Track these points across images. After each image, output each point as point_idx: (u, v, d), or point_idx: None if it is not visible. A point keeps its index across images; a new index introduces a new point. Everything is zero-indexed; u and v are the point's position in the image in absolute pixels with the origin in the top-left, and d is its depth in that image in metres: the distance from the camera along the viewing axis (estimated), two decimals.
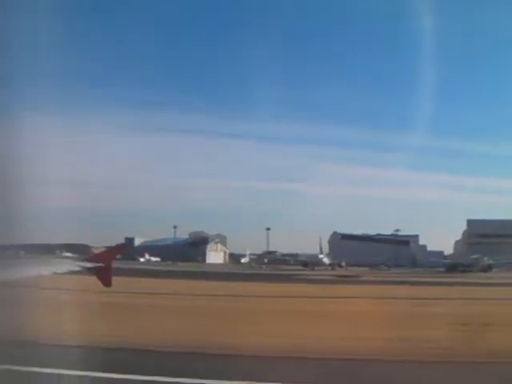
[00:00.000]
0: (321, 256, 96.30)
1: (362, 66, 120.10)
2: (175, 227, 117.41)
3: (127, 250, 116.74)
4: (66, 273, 10.16)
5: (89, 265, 10.49)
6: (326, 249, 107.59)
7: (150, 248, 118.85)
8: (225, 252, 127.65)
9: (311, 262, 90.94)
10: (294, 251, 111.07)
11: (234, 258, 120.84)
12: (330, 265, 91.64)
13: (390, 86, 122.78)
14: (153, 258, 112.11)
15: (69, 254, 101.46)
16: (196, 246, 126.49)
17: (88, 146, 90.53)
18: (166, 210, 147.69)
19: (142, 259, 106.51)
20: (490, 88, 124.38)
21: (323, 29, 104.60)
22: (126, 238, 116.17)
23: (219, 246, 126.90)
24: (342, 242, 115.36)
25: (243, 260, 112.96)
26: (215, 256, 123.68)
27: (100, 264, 10.39)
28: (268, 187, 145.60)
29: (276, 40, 76.96)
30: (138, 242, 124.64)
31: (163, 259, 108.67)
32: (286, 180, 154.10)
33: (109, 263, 10.37)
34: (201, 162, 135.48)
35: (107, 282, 10.50)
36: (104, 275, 10.27)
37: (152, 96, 77.75)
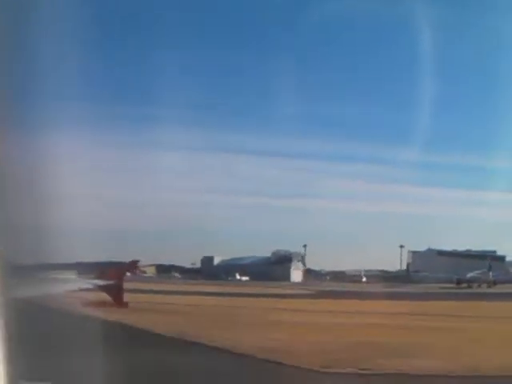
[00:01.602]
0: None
1: (373, 83, 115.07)
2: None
3: (207, 268, 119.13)
4: (77, 290, 10.41)
5: (100, 282, 10.50)
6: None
7: (231, 267, 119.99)
8: (304, 270, 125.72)
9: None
10: (367, 268, 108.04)
11: (313, 275, 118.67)
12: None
13: (403, 101, 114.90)
14: (243, 278, 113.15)
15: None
16: (280, 264, 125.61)
17: (154, 166, 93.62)
18: (240, 228, 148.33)
19: (230, 278, 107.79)
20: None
21: (328, 46, 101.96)
22: (205, 257, 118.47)
23: (300, 264, 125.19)
24: (437, 258, 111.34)
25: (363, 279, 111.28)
26: (297, 274, 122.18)
27: (110, 281, 10.30)
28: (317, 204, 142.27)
29: (290, 57, 75.19)
30: (216, 260, 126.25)
31: (250, 278, 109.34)
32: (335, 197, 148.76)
33: (119, 281, 10.21)
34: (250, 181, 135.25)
35: (119, 301, 10.24)
36: (115, 293, 10.13)
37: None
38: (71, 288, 9.95)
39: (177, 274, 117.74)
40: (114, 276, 9.73)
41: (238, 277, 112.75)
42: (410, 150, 76.91)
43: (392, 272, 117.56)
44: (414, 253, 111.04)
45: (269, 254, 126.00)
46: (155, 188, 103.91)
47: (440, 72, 70.34)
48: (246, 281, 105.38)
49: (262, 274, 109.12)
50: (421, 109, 62.57)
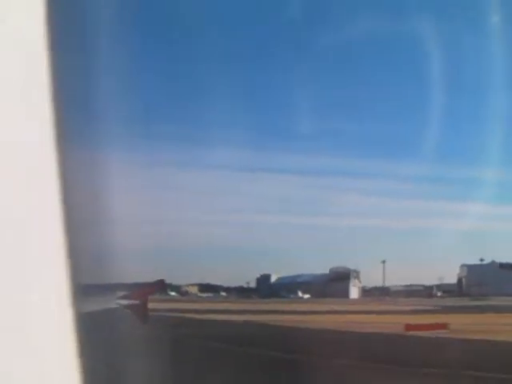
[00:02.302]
0: None
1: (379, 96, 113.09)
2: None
3: (264, 286, 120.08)
4: (102, 310, 11.71)
5: (125, 302, 11.84)
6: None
7: (289, 284, 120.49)
8: (359, 287, 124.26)
9: None
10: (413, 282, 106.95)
11: (367, 292, 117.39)
12: None
13: (410, 115, 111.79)
14: (305, 296, 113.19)
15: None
16: (339, 281, 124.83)
17: (202, 185, 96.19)
18: (291, 246, 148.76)
19: (292, 296, 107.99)
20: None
21: (341, 64, 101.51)
22: (262, 275, 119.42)
23: (357, 280, 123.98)
24: (500, 271, 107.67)
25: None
26: (355, 291, 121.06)
27: (136, 301, 11.67)
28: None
29: (309, 71, 75.27)
30: (273, 278, 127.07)
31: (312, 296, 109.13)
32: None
33: (145, 300, 11.70)
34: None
35: (143, 319, 11.72)
36: (140, 312, 11.52)
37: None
38: (98, 307, 11.23)
39: (223, 293, 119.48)
40: (140, 296, 10.85)
41: (300, 294, 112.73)
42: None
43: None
44: (471, 266, 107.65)
45: (315, 272, 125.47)
46: (201, 208, 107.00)
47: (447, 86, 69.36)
48: (308, 298, 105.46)
49: (320, 291, 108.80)
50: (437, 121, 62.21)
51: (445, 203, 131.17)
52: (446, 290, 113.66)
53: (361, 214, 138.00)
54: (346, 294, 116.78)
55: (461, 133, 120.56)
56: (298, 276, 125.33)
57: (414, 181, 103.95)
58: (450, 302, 71.81)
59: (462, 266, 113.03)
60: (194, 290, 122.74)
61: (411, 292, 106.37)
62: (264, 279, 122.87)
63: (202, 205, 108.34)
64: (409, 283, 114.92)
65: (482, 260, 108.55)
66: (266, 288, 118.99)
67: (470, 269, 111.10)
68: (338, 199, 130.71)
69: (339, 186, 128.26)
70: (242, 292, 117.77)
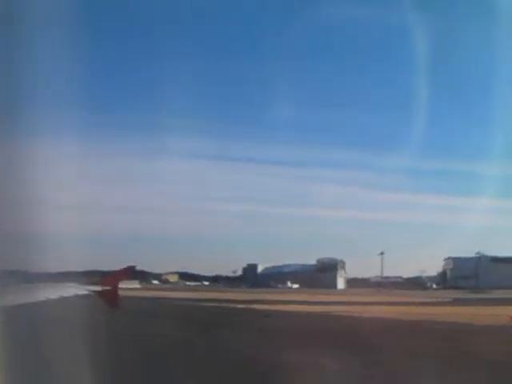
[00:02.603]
0: None
1: (365, 88, 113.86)
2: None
3: (251, 276, 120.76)
4: (72, 296, 11.03)
5: (96, 288, 11.35)
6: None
7: (276, 274, 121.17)
8: (345, 278, 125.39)
9: None
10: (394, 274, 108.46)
11: (353, 283, 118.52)
12: None
13: (390, 107, 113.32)
14: (294, 285, 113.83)
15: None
16: (326, 271, 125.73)
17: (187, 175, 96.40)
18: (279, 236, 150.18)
19: (280, 285, 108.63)
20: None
21: (320, 51, 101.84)
22: (249, 265, 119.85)
23: (343, 271, 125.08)
24: (491, 264, 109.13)
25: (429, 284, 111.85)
26: (341, 281, 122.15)
27: (106, 287, 11.79)
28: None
29: (288, 63, 75.28)
30: (259, 268, 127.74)
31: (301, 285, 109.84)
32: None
33: (115, 286, 11.81)
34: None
35: (113, 305, 11.82)
36: (110, 298, 11.04)
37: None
38: (67, 294, 11.24)
39: (205, 283, 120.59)
40: (111, 282, 11.09)
41: (289, 284, 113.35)
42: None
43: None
44: (456, 259, 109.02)
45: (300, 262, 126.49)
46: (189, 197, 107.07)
47: (437, 80, 69.88)
48: (296, 288, 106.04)
49: (307, 282, 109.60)
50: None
51: (429, 196, 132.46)
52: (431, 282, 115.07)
53: (340, 205, 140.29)
54: (333, 284, 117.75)
55: (448, 127, 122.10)
56: (286, 266, 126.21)
57: (394, 173, 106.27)
58: (449, 294, 71.84)
59: (447, 258, 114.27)
60: (174, 278, 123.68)
61: (392, 284, 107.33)
62: (251, 269, 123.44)
63: (184, 194, 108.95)
64: (389, 275, 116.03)
65: (478, 253, 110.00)
66: (253, 278, 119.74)
67: (456, 262, 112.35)
68: (319, 190, 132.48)
69: (320, 176, 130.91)
70: (229, 282, 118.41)
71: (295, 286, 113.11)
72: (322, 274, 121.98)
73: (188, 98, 71.37)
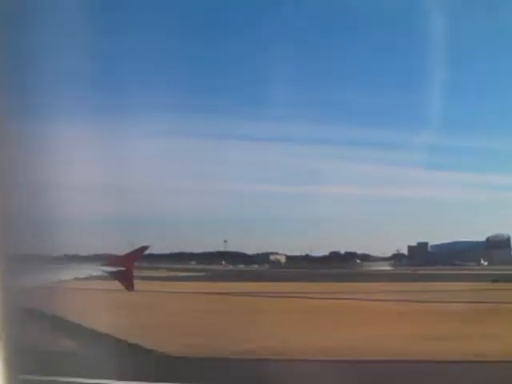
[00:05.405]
0: None
1: (373, 64, 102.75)
2: None
3: (422, 253, 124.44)
4: (86, 278, 10.90)
5: (110, 269, 10.94)
6: None
7: (444, 253, 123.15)
8: None
9: None
10: None
11: None
12: None
13: (401, 83, 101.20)
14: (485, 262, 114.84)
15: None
16: (498, 248, 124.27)
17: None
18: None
19: (457, 262, 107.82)
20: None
21: (329, 25, 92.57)
22: (419, 243, 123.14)
23: None
24: None
25: None
26: None
27: (121, 268, 10.89)
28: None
29: (286, 40, 72.00)
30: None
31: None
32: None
33: (130, 267, 11.03)
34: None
35: (129, 286, 11.15)
36: (125, 279, 10.85)
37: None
38: (81, 275, 11.10)
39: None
40: (126, 262, 10.99)
41: (482, 262, 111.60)
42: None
43: None
44: None
45: None
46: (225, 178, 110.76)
47: (449, 57, 65.95)
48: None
49: (477, 259, 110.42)
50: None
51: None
52: None
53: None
54: (508, 261, 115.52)
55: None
56: (456, 243, 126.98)
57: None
58: None
59: None
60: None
61: None
62: (420, 247, 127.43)
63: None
64: None
65: None
66: (423, 256, 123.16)
67: None
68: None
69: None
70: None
71: (485, 263, 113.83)
72: (495, 250, 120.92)
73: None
